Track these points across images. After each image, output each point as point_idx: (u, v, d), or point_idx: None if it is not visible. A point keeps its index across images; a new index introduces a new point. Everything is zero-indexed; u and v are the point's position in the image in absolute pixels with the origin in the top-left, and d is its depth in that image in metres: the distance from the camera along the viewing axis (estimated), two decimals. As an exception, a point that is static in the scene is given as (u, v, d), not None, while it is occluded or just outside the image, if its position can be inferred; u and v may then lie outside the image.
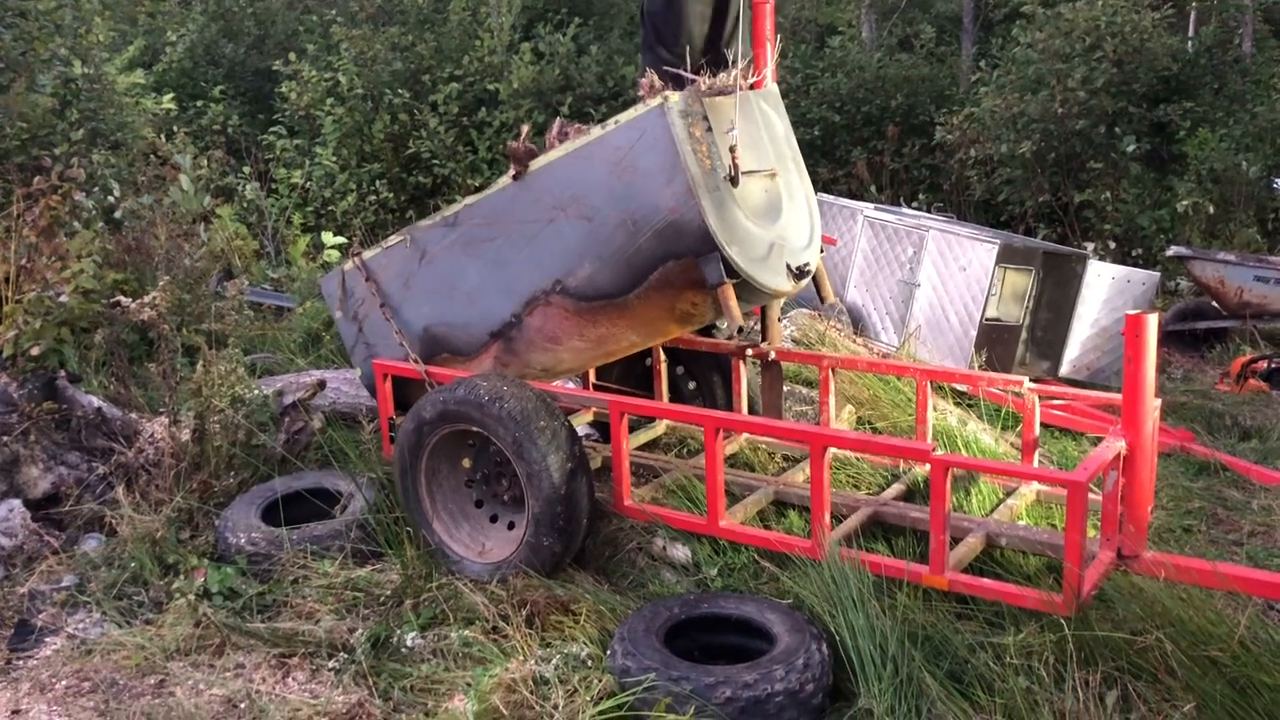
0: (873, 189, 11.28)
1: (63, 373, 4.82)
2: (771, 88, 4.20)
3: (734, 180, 3.63)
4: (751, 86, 4.07)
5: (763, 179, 3.93)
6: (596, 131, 3.75)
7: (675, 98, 3.61)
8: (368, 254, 4.45)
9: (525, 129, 4.08)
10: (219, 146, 10.91)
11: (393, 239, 4.36)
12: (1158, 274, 7.43)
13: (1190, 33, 12.03)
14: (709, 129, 3.66)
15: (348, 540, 4.08)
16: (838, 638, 3.20)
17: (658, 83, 3.70)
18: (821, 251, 4.20)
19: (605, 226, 3.74)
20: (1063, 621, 3.10)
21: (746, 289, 3.72)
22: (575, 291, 3.87)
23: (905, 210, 9.03)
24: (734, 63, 4.03)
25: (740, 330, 3.77)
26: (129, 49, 12.14)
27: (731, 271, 3.61)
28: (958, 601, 3.47)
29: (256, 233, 9.46)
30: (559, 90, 11.70)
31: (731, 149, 3.61)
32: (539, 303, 3.97)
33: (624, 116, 3.69)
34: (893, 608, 3.29)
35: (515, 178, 3.88)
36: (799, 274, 3.89)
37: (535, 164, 3.86)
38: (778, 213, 3.95)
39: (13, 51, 7.88)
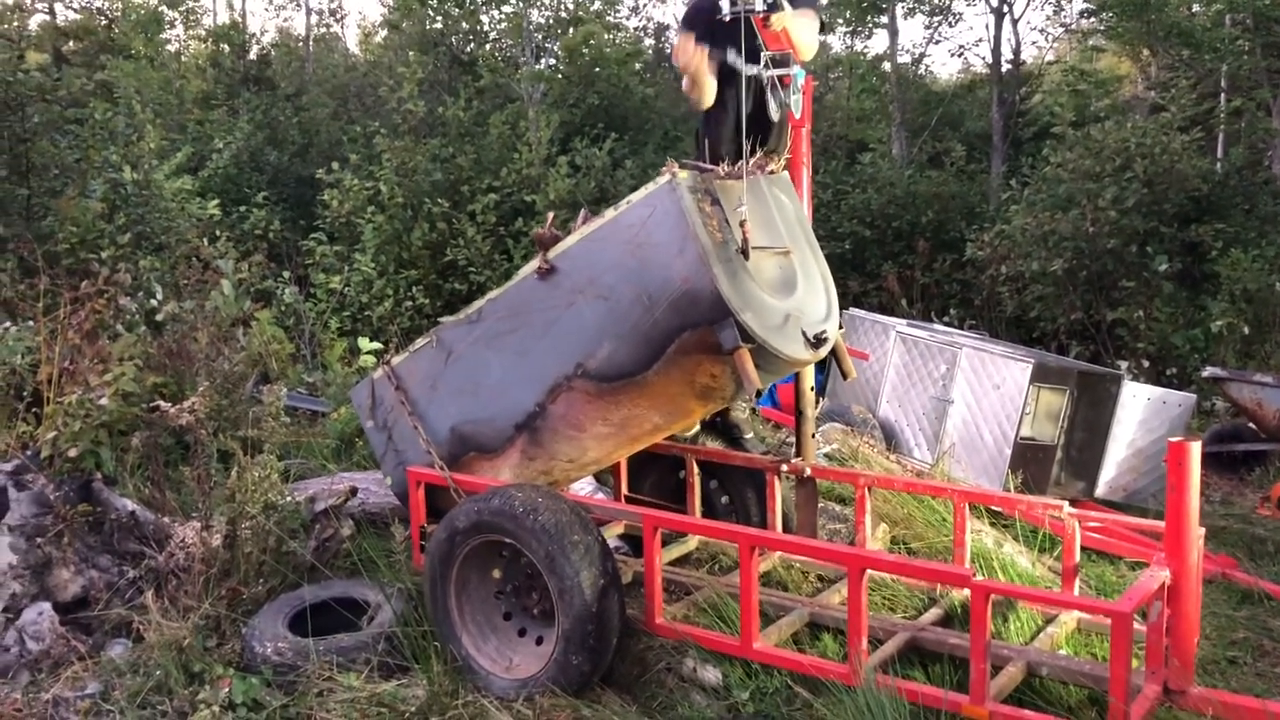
0: (903, 303, 11.34)
1: (99, 475, 4.85)
2: (782, 174, 4.25)
3: (745, 253, 3.67)
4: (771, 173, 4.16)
5: (776, 257, 3.96)
6: (610, 213, 3.81)
7: (684, 174, 3.68)
8: (396, 360, 4.48)
9: (551, 215, 4.13)
10: (260, 251, 11.13)
11: (419, 342, 4.39)
12: (1194, 396, 7.36)
13: (1219, 154, 12.16)
14: (718, 204, 3.72)
15: (374, 653, 4.03)
16: (874, 769, 3.11)
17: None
18: (841, 328, 4.21)
19: (622, 304, 3.76)
20: (1107, 758, 3.01)
21: (764, 356, 3.69)
22: (596, 373, 3.86)
23: (937, 326, 9.05)
24: (751, 152, 4.11)
25: (758, 392, 3.72)
26: (177, 155, 12.51)
27: (747, 337, 3.59)
28: (997, 733, 3.37)
29: (293, 336, 9.58)
30: (594, 202, 11.91)
31: (741, 223, 3.66)
32: (562, 389, 3.95)
33: (635, 196, 3.76)
34: (930, 738, 3.20)
35: (542, 263, 3.91)
36: (816, 342, 3.89)
37: (555, 251, 3.90)
38: (793, 287, 3.98)
39: (68, 158, 8.14)
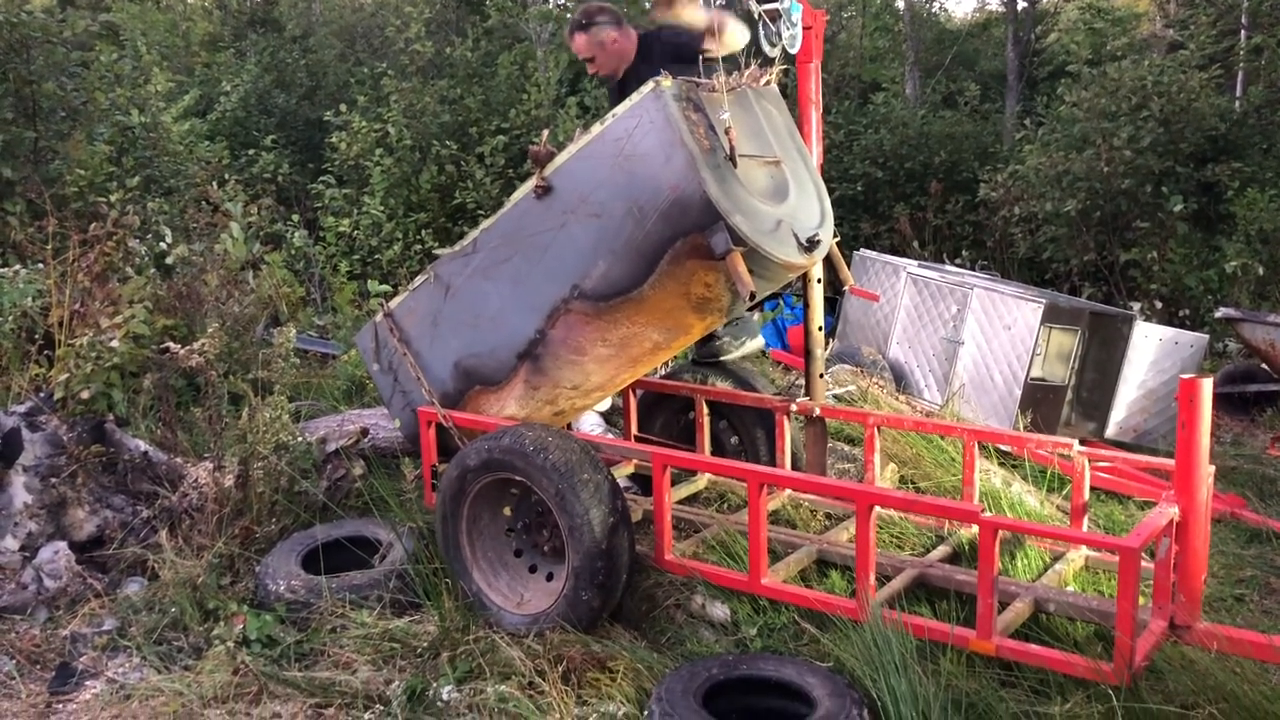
0: (915, 245, 11.26)
1: (111, 417, 4.88)
2: (770, 87, 4.19)
3: (732, 160, 3.63)
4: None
5: (766, 166, 3.92)
6: (596, 129, 3.76)
7: (668, 83, 3.62)
8: (395, 301, 4.47)
9: (545, 133, 4.06)
10: (269, 194, 11.08)
11: (418, 280, 4.38)
12: (1206, 336, 7.32)
13: (1238, 93, 11.97)
14: (702, 112, 3.67)
15: (386, 590, 4.08)
16: (879, 703, 3.14)
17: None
18: (836, 237, 4.18)
19: (613, 219, 3.72)
20: (1111, 692, 3.03)
21: (757, 261, 3.65)
22: (592, 293, 3.84)
23: (949, 267, 8.99)
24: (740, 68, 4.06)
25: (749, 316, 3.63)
26: (185, 98, 12.43)
27: (739, 241, 3.55)
28: (1002, 668, 3.40)
29: (303, 280, 9.58)
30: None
31: (726, 130, 3.61)
32: (560, 312, 3.93)
33: (621, 108, 3.70)
34: (936, 673, 3.23)
35: (539, 181, 3.88)
36: (809, 245, 3.84)
37: (550, 167, 3.86)
38: (784, 195, 3.92)
39: (74, 100, 8.09)
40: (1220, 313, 8.01)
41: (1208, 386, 3.14)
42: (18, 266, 6.09)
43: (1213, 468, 3.40)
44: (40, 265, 6.15)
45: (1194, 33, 10.73)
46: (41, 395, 4.99)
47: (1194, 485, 3.20)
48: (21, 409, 4.77)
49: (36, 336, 5.79)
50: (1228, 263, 9.13)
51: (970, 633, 3.28)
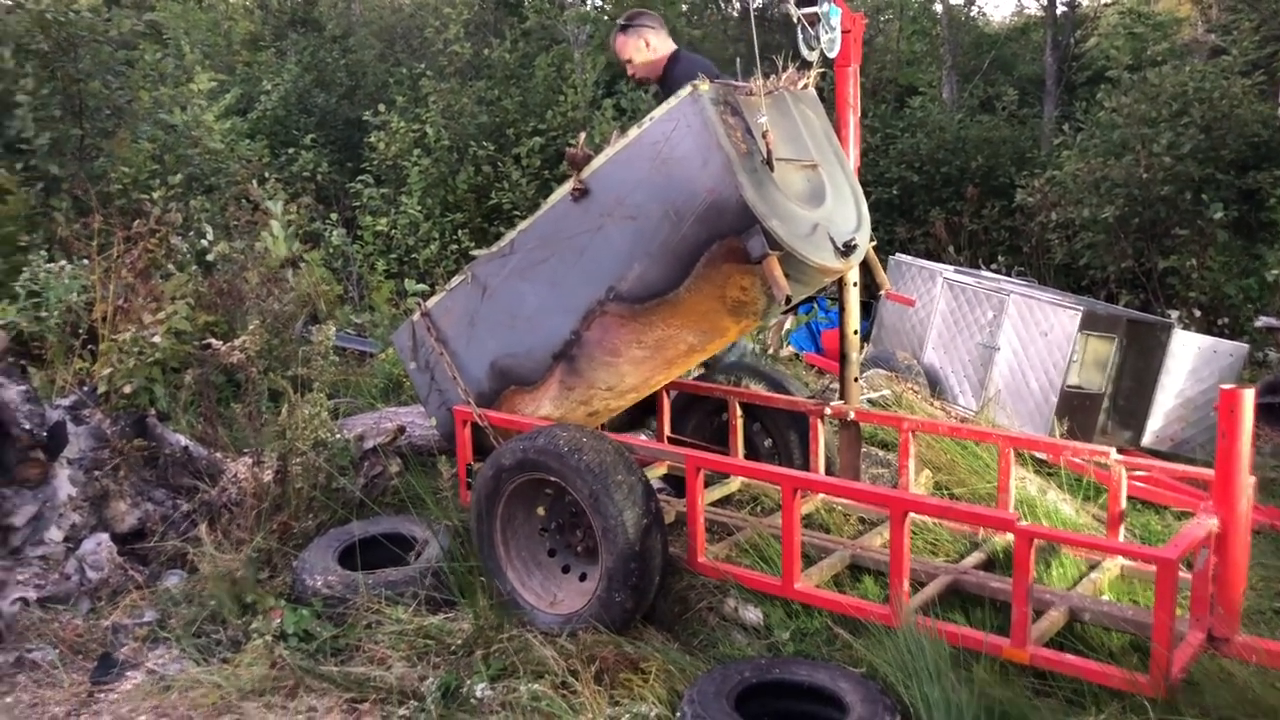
0: (951, 250, 11.20)
1: (153, 411, 4.96)
2: (809, 91, 4.19)
3: (769, 164, 3.63)
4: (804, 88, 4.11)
5: (803, 170, 3.91)
6: (634, 132, 3.78)
7: (706, 86, 3.63)
8: (432, 301, 4.50)
9: (583, 135, 4.08)
10: (308, 193, 11.18)
11: (455, 280, 4.41)
12: (1246, 345, 7.24)
13: (1281, 99, 11.82)
14: (740, 115, 3.67)
15: (422, 587, 4.12)
16: (912, 709, 3.14)
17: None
18: (872, 241, 4.16)
19: (650, 222, 3.74)
20: (1148, 704, 3.01)
21: (793, 265, 3.64)
22: (628, 295, 3.85)
23: (985, 273, 8.95)
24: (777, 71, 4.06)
25: (782, 302, 3.64)
26: (226, 97, 12.56)
27: (775, 245, 3.55)
28: (1036, 677, 3.39)
29: (341, 278, 9.66)
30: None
31: (764, 134, 3.61)
32: (595, 314, 3.95)
33: (658, 112, 3.72)
34: (969, 680, 3.22)
35: (576, 184, 3.90)
36: (846, 250, 3.84)
37: (587, 170, 3.88)
38: (821, 199, 3.92)
39: (119, 99, 8.20)
40: (1260, 321, 7.93)
41: (1249, 396, 3.12)
42: (63, 262, 6.19)
43: (1253, 479, 3.37)
44: (85, 261, 6.25)
45: (1236, 38, 10.60)
46: (85, 389, 5.07)
47: (1234, 496, 3.18)
48: (66, 402, 4.85)
49: (81, 331, 5.88)
50: (1269, 271, 9.01)
51: (1004, 641, 3.27)
